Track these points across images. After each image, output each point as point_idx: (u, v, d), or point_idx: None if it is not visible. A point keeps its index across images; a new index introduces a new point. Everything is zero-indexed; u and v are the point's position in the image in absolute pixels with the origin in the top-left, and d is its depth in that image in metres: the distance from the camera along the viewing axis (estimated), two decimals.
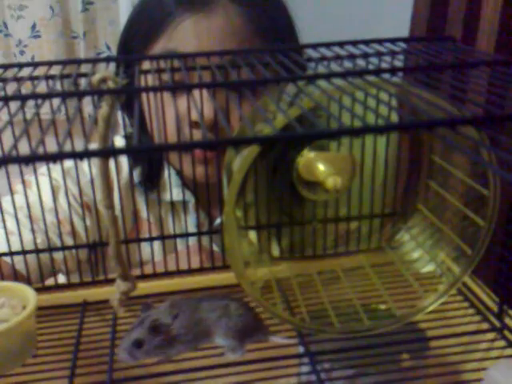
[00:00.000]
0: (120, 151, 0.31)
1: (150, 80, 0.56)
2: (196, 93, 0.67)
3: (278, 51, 0.48)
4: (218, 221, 0.82)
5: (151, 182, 0.82)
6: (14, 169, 0.59)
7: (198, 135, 0.72)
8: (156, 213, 0.83)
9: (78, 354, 0.56)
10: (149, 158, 0.82)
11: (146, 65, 0.57)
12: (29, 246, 0.64)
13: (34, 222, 0.65)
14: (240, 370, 0.52)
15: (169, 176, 0.79)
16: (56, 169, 0.73)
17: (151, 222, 0.82)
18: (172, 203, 0.79)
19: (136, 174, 0.82)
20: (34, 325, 0.55)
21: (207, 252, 0.71)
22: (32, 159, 0.30)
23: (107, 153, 0.31)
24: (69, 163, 0.75)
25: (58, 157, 0.30)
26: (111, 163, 0.63)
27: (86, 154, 0.30)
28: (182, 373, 0.52)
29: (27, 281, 0.64)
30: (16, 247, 0.63)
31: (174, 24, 0.73)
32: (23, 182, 0.63)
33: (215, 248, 0.76)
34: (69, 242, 0.69)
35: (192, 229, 0.82)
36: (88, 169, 0.74)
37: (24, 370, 0.53)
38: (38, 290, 0.57)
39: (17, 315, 0.53)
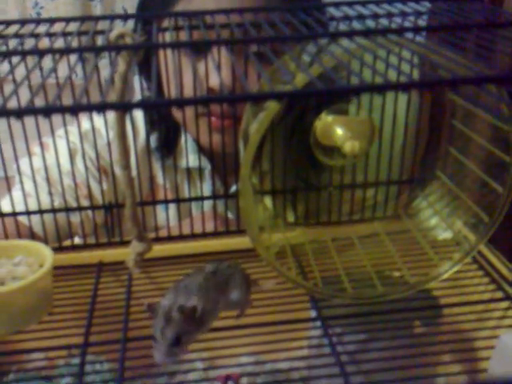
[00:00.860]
0: (136, 105, 0.31)
1: (168, 39, 0.55)
2: (215, 54, 0.67)
3: (300, 10, 0.47)
4: (233, 188, 0.82)
5: (168, 148, 0.82)
6: (31, 130, 0.60)
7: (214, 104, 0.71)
8: (172, 179, 0.83)
9: (93, 312, 0.56)
10: (166, 123, 0.82)
11: (165, 24, 0.56)
12: (46, 208, 0.64)
13: (51, 184, 0.65)
14: (254, 331, 0.53)
15: (185, 142, 0.78)
16: (73, 132, 0.73)
17: (167, 188, 0.82)
18: (188, 170, 0.79)
19: (153, 139, 0.82)
20: (50, 283, 0.56)
21: (222, 218, 0.71)
22: (49, 111, 0.30)
23: (123, 106, 0.30)
24: (86, 126, 0.74)
25: (74, 109, 0.30)
26: (128, 125, 0.63)
27: (103, 107, 0.30)
28: None
29: (44, 242, 0.64)
30: (33, 209, 0.64)
31: None
32: (41, 144, 0.63)
33: (230, 215, 0.76)
34: (85, 205, 0.69)
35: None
36: (105, 131, 0.74)
37: (40, 326, 0.55)
38: (55, 250, 0.58)
39: (34, 273, 0.53)
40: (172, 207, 0.78)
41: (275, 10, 0.47)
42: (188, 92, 0.70)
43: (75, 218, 0.70)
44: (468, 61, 0.38)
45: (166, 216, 0.68)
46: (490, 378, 0.47)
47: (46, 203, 0.65)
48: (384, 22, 0.46)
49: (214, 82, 0.68)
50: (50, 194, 0.64)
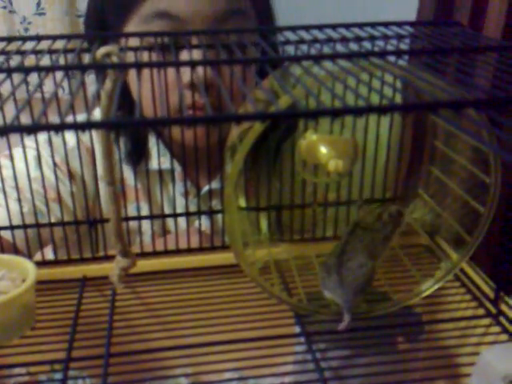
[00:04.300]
0: (122, 124, 0.31)
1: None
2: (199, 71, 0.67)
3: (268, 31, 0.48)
4: (206, 188, 0.80)
5: (138, 154, 0.81)
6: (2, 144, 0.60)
7: (188, 98, 0.70)
8: (142, 180, 0.82)
9: (76, 327, 0.56)
10: (136, 131, 0.81)
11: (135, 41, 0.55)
12: (17, 217, 0.64)
13: (20, 191, 0.64)
14: (238, 347, 0.53)
15: (157, 145, 0.76)
16: (38, 139, 0.71)
17: (138, 188, 0.80)
18: (159, 171, 0.77)
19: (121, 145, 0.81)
20: (33, 298, 0.56)
21: (206, 234, 0.71)
22: (34, 129, 0.30)
23: (110, 124, 0.31)
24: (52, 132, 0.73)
25: (59, 127, 0.30)
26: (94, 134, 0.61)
27: (89, 126, 0.30)
28: (180, 349, 0.53)
29: (27, 254, 0.64)
30: (5, 220, 0.63)
31: None
32: (7, 155, 0.63)
33: (205, 224, 0.75)
34: (55, 208, 0.68)
35: (179, 197, 0.80)
36: (71, 136, 0.73)
37: (23, 341, 0.54)
38: (38, 264, 0.57)
39: (16, 288, 0.53)
40: (144, 208, 0.77)
41: (254, 31, 0.48)
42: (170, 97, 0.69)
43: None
44: (449, 85, 0.39)
45: (146, 227, 0.67)
46: None
47: (15, 211, 0.64)
48: (367, 45, 0.46)
49: (187, 78, 0.68)
50: (19, 200, 0.62)
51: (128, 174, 0.81)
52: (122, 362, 0.52)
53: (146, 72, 0.56)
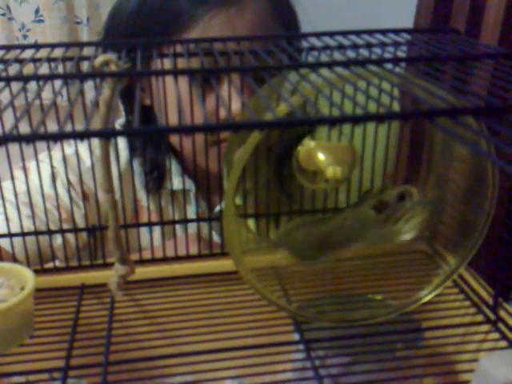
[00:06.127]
0: (120, 133, 0.32)
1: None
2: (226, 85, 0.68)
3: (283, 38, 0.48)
4: (217, 208, 0.82)
5: (159, 175, 0.81)
6: (13, 153, 0.60)
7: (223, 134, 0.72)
8: (156, 201, 0.83)
9: (75, 335, 0.56)
10: (155, 149, 0.82)
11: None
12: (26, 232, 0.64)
13: (31, 208, 0.64)
14: (237, 354, 0.53)
15: (170, 165, 0.78)
16: (55, 156, 0.72)
17: (151, 210, 0.81)
18: (172, 192, 0.79)
19: (135, 164, 0.82)
20: (31, 306, 0.56)
21: (206, 241, 0.71)
22: (32, 138, 0.30)
23: (108, 134, 0.31)
24: (68, 151, 0.74)
25: (58, 136, 0.30)
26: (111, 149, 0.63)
27: (87, 135, 0.31)
28: (179, 356, 0.53)
29: (26, 264, 0.64)
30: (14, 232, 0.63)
31: (207, 17, 0.71)
32: (15, 168, 0.63)
33: (214, 237, 0.76)
34: (65, 227, 0.69)
35: (193, 217, 0.82)
36: (87, 156, 0.74)
37: (21, 350, 0.54)
38: (37, 272, 0.57)
39: (15, 296, 0.53)
40: (156, 229, 0.78)
41: (258, 38, 0.48)
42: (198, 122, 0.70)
43: (56, 240, 0.70)
44: (446, 92, 0.39)
45: (149, 237, 0.68)
46: None
47: (25, 227, 0.64)
48: (364, 52, 0.47)
49: (224, 113, 0.70)
50: (32, 217, 0.63)
51: (142, 194, 0.82)
52: (120, 370, 0.52)
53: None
